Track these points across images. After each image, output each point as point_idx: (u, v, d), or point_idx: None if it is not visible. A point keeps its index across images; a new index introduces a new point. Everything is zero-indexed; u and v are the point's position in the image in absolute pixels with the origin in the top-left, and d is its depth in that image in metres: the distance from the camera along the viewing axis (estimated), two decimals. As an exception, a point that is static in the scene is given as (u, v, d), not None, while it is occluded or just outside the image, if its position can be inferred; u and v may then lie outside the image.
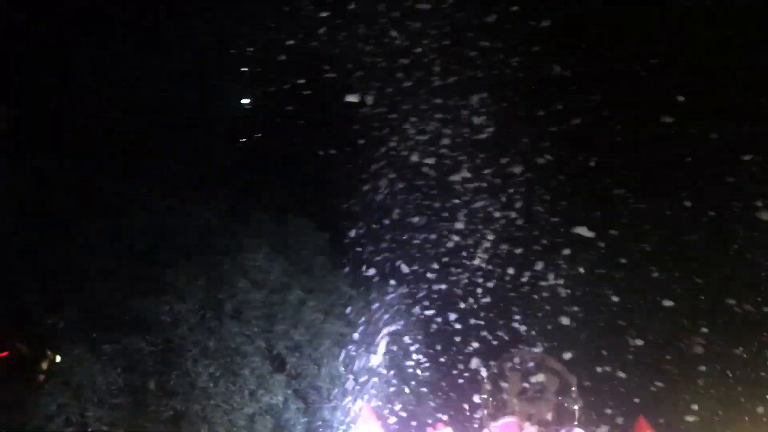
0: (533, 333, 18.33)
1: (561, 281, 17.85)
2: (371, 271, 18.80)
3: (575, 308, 17.90)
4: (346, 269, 19.39)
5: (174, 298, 16.54)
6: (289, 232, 19.65)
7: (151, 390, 16.07)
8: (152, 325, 16.22)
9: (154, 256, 17.60)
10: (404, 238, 19.48)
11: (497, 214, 18.05)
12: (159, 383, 16.02)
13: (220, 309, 16.96)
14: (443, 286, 18.58)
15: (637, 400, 16.33)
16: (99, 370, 15.46)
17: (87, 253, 17.25)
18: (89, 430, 15.15)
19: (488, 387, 15.56)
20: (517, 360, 15.32)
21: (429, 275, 18.91)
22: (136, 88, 20.97)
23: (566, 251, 18.06)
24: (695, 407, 15.92)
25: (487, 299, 18.46)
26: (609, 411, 16.36)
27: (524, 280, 18.48)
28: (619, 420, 16.09)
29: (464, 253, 18.54)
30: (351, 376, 17.16)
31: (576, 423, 14.66)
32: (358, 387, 17.80)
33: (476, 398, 16.23)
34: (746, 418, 15.87)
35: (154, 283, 16.66)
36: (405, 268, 18.73)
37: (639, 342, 16.83)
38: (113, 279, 16.85)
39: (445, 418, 17.10)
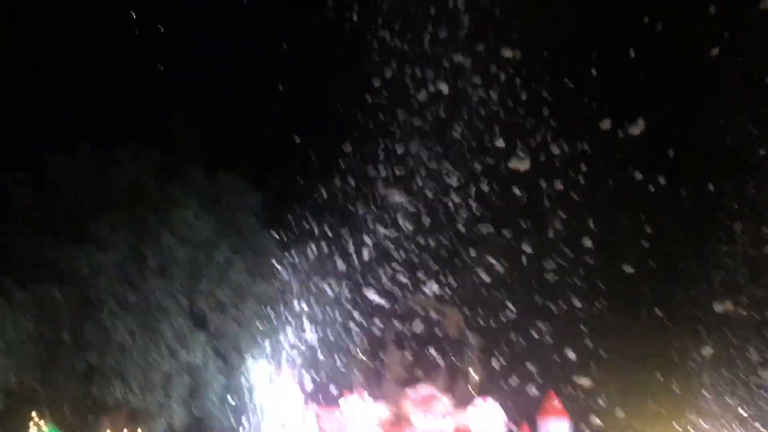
0: (449, 294, 18.47)
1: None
2: (300, 234, 18.62)
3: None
4: (276, 230, 19.15)
5: (94, 249, 16.12)
6: (221, 190, 19.30)
7: (65, 342, 15.72)
8: (69, 275, 15.79)
9: (76, 206, 17.09)
10: (337, 200, 19.35)
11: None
12: (73, 335, 15.67)
13: (142, 263, 16.62)
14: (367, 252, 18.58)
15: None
16: (10, 319, 15.01)
17: (1, 198, 16.65)
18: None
19: (394, 353, 15.68)
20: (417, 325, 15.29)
21: (353, 239, 18.88)
22: (64, 34, 20.15)
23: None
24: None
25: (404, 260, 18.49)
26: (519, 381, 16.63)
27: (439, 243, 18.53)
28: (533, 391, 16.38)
29: (387, 218, 18.51)
30: (272, 339, 17.05)
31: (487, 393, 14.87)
32: (278, 350, 17.75)
33: (390, 364, 16.38)
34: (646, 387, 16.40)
35: (74, 233, 16.21)
36: (332, 232, 18.60)
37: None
38: (29, 226, 16.30)
39: (361, 383, 17.16)
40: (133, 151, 18.82)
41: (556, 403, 14.62)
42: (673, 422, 16.30)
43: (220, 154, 21.21)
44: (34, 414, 17.73)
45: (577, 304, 16.72)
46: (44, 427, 14.67)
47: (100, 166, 18.12)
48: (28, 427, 17.10)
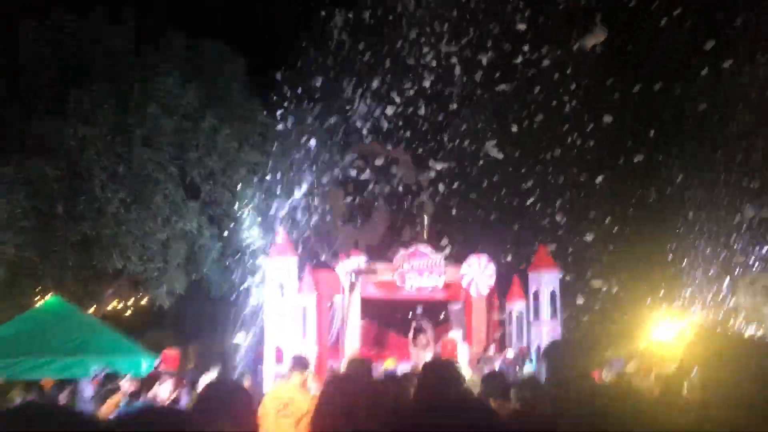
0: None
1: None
2: (287, 99, 18.34)
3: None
4: (262, 97, 18.86)
5: (79, 121, 15.83)
6: (204, 57, 18.77)
7: (59, 215, 15.80)
8: (56, 149, 15.61)
9: (56, 78, 16.59)
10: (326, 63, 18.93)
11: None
12: (66, 208, 15.72)
13: (129, 134, 16.40)
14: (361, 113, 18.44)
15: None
16: (2, 194, 14.97)
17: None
18: (-6, 251, 14.93)
19: (383, 211, 15.97)
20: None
21: (339, 102, 18.67)
22: None
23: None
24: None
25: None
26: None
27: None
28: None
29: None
30: (263, 205, 17.21)
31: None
32: (273, 216, 17.96)
33: (380, 224, 16.73)
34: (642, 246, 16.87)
35: (58, 106, 15.85)
36: (318, 95, 18.33)
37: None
38: (10, 101, 15.89)
39: (354, 245, 17.53)
40: (109, 16, 18.08)
41: (547, 255, 15.09)
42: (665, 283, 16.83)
43: (200, 19, 20.49)
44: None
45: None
46: (48, 298, 14.99)
47: (75, 34, 17.41)
48: (32, 299, 17.55)
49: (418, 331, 13.59)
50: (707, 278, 16.29)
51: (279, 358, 13.46)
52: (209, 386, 2.61)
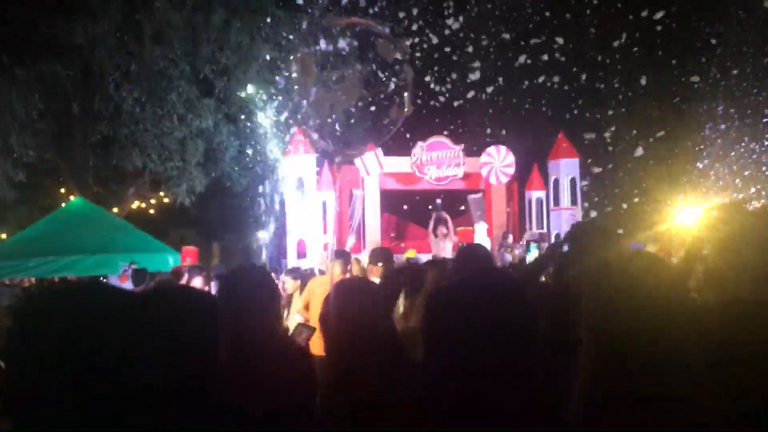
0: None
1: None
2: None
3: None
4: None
5: (87, 19, 15.47)
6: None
7: (74, 115, 15.76)
8: (68, 48, 15.35)
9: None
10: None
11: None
12: (82, 108, 15.66)
13: (139, 31, 16.03)
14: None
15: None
16: (16, 97, 14.88)
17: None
18: (15, 155, 15.02)
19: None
20: None
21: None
22: None
23: None
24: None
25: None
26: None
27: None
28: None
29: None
30: (281, 99, 17.04)
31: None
32: (290, 111, 17.80)
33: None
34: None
35: (66, 3, 15.46)
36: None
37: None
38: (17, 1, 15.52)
39: (375, 140, 17.42)
40: None
41: (566, 144, 14.90)
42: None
43: None
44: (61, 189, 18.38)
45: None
46: (72, 199, 15.20)
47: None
48: (55, 200, 17.84)
49: (438, 221, 13.66)
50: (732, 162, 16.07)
51: (301, 252, 13.71)
52: (236, 270, 2.60)
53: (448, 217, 14.73)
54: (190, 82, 16.42)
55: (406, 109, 4.80)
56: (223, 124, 17.10)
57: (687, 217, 10.79)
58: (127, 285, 8.91)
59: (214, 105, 16.75)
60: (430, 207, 16.22)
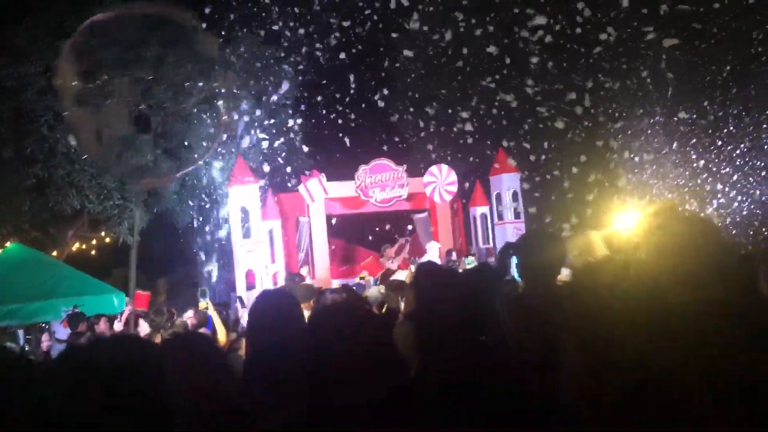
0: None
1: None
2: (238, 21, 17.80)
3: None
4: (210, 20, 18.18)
5: (15, 59, 15.12)
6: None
7: (8, 159, 15.28)
8: (-5, 89, 14.93)
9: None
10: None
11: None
12: (15, 151, 15.20)
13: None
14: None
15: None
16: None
17: None
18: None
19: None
20: None
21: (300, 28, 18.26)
22: None
23: None
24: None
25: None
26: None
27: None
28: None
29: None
30: (222, 132, 16.88)
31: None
32: (231, 142, 17.69)
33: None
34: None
35: (-9, 44, 15.09)
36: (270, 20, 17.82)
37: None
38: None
39: (317, 166, 17.48)
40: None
41: (506, 159, 15.22)
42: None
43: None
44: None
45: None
46: (8, 245, 14.73)
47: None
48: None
49: (387, 243, 13.78)
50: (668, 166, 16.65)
51: (251, 283, 13.58)
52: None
53: (408, 240, 14.81)
54: (126, 118, 16.12)
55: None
56: (162, 159, 16.82)
57: (626, 222, 11.13)
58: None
59: (151, 140, 16.48)
60: (377, 229, 16.32)
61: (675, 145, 16.54)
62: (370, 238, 17.54)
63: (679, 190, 16.32)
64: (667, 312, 1.73)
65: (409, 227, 16.67)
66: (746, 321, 1.86)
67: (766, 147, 16.00)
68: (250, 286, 13.42)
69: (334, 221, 15.88)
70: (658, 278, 2.02)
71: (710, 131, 16.21)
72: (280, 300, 2.78)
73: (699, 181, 16.28)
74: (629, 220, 10.95)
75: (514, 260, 3.60)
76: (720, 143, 16.22)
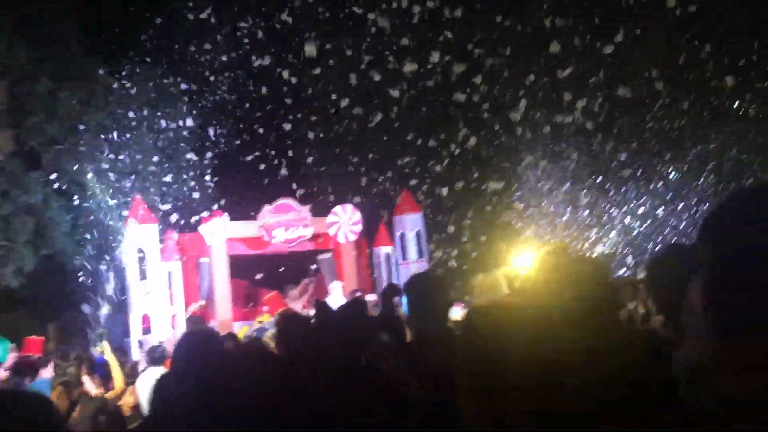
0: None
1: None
2: (134, 55, 17.36)
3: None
4: (104, 54, 17.65)
5: None
6: (32, 12, 17.15)
7: None
8: None
9: None
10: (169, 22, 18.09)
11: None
12: None
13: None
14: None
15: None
16: None
17: None
18: None
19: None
20: None
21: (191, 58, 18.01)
22: None
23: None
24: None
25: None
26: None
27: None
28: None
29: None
30: (116, 170, 16.32)
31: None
32: (128, 182, 17.10)
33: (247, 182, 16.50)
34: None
35: None
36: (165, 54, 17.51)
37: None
38: None
39: (218, 204, 17.14)
40: None
41: (410, 198, 15.44)
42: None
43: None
44: None
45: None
46: None
47: None
48: None
49: (289, 283, 13.60)
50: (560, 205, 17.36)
51: (146, 327, 13.04)
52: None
53: (312, 281, 14.65)
54: (14, 155, 15.37)
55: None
56: (53, 198, 16.05)
57: (523, 262, 11.50)
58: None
59: (42, 178, 15.73)
60: (281, 270, 16.10)
61: (566, 187, 17.32)
62: (274, 279, 17.25)
63: (570, 229, 17.05)
64: (554, 352, 1.76)
65: (314, 267, 16.54)
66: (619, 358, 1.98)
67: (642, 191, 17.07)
68: (146, 331, 12.85)
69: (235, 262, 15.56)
70: (546, 317, 2.09)
71: (599, 176, 17.12)
72: (206, 340, 2.80)
73: (589, 222, 17.09)
74: (526, 260, 11.29)
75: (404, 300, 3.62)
76: (608, 186, 17.16)
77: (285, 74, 17.57)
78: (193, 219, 16.93)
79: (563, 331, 1.94)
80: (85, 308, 16.37)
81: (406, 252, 15.30)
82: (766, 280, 0.84)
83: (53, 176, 16.16)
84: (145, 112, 17.58)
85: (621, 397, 1.84)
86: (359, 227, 15.01)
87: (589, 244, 16.89)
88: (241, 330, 11.75)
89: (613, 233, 16.95)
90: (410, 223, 15.24)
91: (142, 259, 13.52)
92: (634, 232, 16.91)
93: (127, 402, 7.46)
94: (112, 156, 16.42)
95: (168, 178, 17.83)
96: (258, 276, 16.72)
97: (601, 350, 1.99)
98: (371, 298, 12.63)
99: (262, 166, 18.48)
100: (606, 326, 2.17)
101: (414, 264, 15.00)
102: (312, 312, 8.99)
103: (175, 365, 2.76)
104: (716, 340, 0.89)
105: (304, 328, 3.56)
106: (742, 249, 0.89)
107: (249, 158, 18.82)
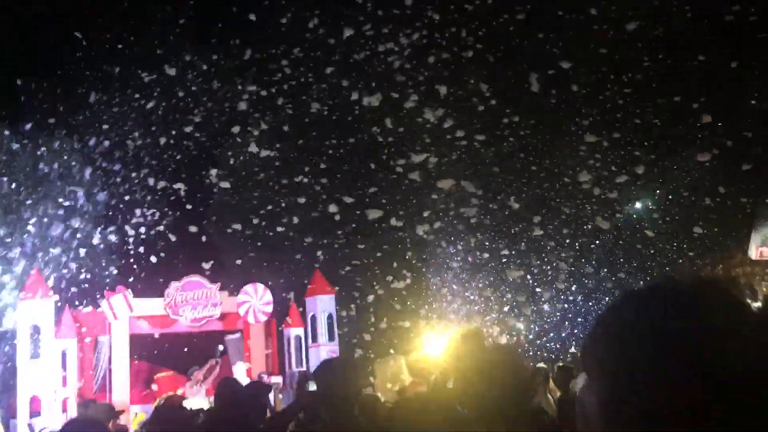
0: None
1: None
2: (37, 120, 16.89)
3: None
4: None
5: None
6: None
7: None
8: None
9: None
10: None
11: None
12: None
13: None
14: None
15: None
16: None
17: None
18: None
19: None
20: None
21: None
22: None
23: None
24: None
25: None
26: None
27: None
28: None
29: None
30: (13, 238, 15.54)
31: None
32: (23, 251, 16.27)
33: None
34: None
35: None
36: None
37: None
38: None
39: (122, 281, 16.49)
40: None
41: (322, 279, 15.33)
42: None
43: None
44: None
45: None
46: None
47: None
48: None
49: (194, 365, 13.09)
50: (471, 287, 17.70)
51: (35, 410, 12.16)
52: None
53: (218, 362, 14.16)
54: None
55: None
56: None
57: (434, 347, 11.52)
58: None
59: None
60: (185, 350, 15.47)
61: (480, 276, 17.74)
62: (177, 360, 16.55)
63: (484, 316, 17.34)
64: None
65: (221, 348, 16.04)
66: None
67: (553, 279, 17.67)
68: (35, 413, 11.98)
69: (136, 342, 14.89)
70: (460, 405, 2.11)
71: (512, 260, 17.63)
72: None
73: (505, 309, 17.48)
74: (436, 345, 11.34)
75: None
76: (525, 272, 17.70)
77: (195, 150, 17.58)
78: (95, 295, 16.19)
79: (473, 423, 1.97)
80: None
81: (316, 334, 15.06)
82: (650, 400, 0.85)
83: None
84: (47, 183, 16.98)
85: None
86: (270, 307, 14.75)
87: (504, 328, 17.22)
88: (138, 417, 11.15)
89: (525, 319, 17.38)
90: (322, 304, 15.08)
91: (34, 336, 12.73)
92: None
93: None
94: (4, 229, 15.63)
95: (68, 252, 17.09)
96: (159, 356, 16.03)
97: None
98: (277, 380, 12.29)
99: (172, 243, 18.03)
100: (520, 415, 2.20)
101: (324, 347, 14.77)
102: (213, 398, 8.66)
103: None
104: None
105: (177, 423, 3.42)
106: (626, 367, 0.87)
107: (156, 234, 18.35)
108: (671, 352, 0.83)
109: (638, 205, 17.26)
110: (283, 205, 17.50)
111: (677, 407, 0.81)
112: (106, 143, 18.44)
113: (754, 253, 14.66)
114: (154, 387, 13.82)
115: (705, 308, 0.85)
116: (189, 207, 18.41)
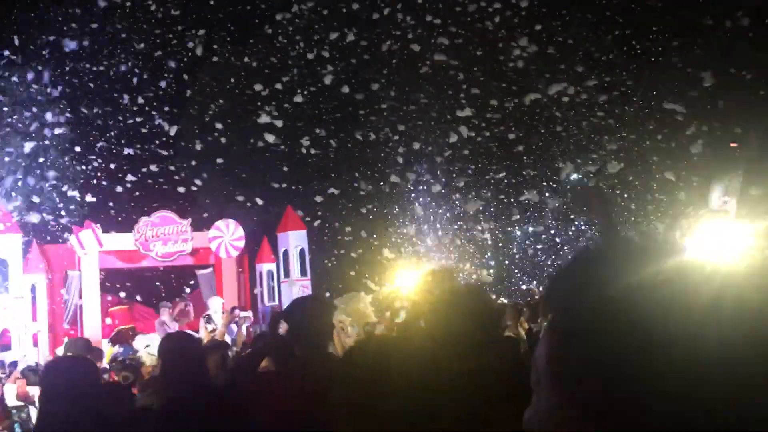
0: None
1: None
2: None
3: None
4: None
5: None
6: None
7: None
8: None
9: None
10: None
11: None
12: None
13: None
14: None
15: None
16: None
17: None
18: None
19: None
20: None
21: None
22: None
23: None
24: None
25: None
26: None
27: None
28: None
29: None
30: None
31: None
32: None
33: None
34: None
35: None
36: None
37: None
38: None
39: (90, 216, 16.28)
40: None
41: (295, 215, 15.30)
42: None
43: None
44: None
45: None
46: None
47: None
48: None
49: (165, 300, 13.12)
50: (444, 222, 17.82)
51: (6, 343, 12.18)
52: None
53: (188, 304, 14.15)
54: None
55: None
56: None
57: (404, 281, 11.63)
58: None
59: None
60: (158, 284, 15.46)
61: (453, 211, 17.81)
62: (149, 295, 16.54)
63: (455, 252, 17.52)
64: (437, 378, 1.77)
65: (188, 290, 16.08)
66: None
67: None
68: (5, 347, 11.98)
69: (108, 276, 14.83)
70: (431, 341, 2.11)
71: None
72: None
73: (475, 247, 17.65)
74: (408, 280, 11.44)
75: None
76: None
77: (164, 83, 17.13)
78: (63, 231, 16.00)
79: (446, 356, 1.96)
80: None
81: (289, 269, 15.11)
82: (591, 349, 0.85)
83: None
84: (14, 116, 16.52)
85: (505, 417, 1.87)
86: (242, 243, 14.71)
87: (474, 266, 17.42)
88: (109, 350, 11.20)
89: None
90: (294, 240, 15.08)
91: (3, 271, 12.62)
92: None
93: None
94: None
95: (36, 186, 16.77)
96: (130, 292, 16.01)
97: (483, 373, 2.03)
98: (248, 315, 12.38)
99: (142, 177, 17.75)
100: (489, 350, 2.21)
101: (297, 282, 14.85)
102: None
103: (47, 394, 2.63)
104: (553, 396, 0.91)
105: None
106: (573, 315, 0.90)
107: (126, 169, 18.04)
108: (610, 319, 0.84)
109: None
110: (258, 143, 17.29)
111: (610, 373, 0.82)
112: (78, 74, 17.99)
113: (715, 203, 14.68)
114: (108, 321, 13.81)
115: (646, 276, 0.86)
116: (160, 140, 18.12)
